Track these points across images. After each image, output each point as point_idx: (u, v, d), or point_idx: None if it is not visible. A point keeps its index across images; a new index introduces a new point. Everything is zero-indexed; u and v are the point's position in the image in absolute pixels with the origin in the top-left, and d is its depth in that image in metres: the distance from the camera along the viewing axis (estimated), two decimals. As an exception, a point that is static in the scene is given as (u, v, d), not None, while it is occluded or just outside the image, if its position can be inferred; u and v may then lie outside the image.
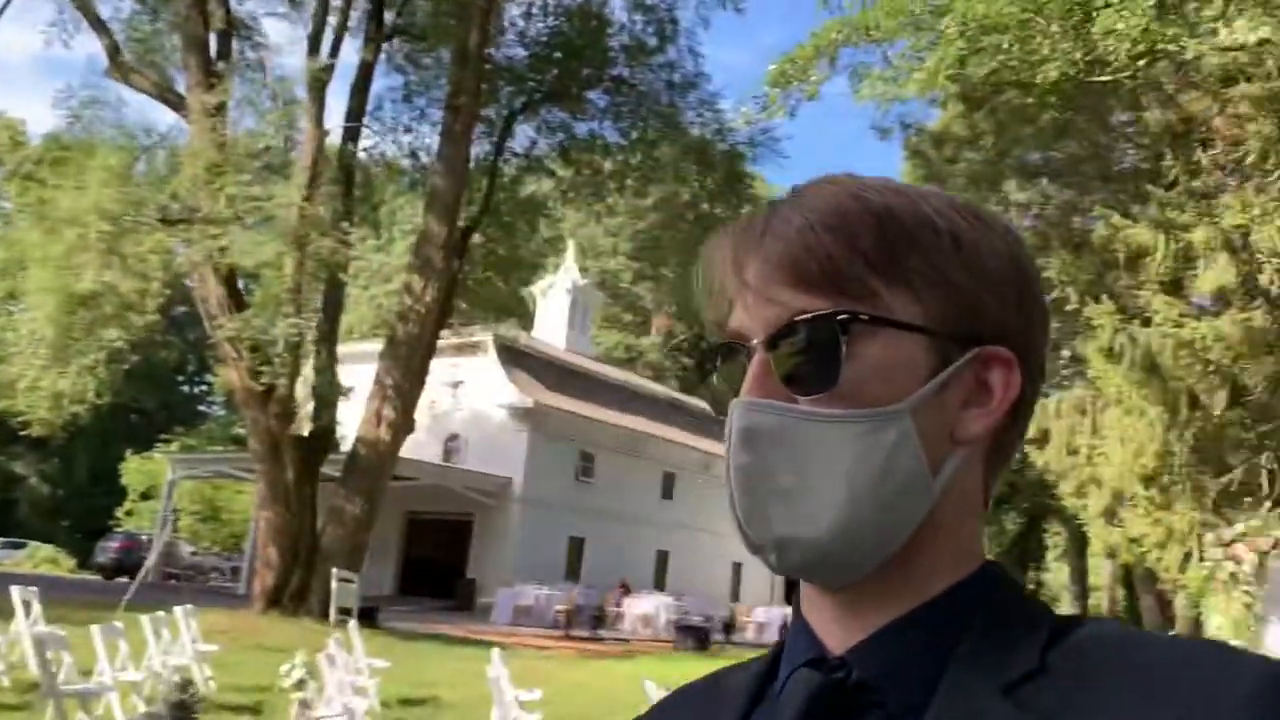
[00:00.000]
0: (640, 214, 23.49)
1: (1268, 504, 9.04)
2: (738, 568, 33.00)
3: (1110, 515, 14.74)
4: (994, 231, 0.72)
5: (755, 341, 0.68)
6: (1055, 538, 36.57)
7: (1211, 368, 10.81)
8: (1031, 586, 32.74)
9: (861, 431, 0.66)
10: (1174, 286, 12.19)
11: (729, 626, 24.51)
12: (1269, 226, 10.77)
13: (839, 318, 0.66)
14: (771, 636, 24.58)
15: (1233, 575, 8.81)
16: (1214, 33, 12.25)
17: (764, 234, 0.69)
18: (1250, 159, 11.75)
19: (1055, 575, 40.72)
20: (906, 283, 0.67)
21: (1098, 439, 12.88)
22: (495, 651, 8.20)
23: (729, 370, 0.72)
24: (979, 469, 0.71)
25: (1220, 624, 8.86)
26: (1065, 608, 32.39)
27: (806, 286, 0.67)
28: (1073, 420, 13.19)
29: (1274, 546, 8.55)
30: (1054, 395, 13.65)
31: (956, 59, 12.73)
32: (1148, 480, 12.34)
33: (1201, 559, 11.41)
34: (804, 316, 0.66)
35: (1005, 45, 12.72)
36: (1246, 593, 8.81)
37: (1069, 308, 13.73)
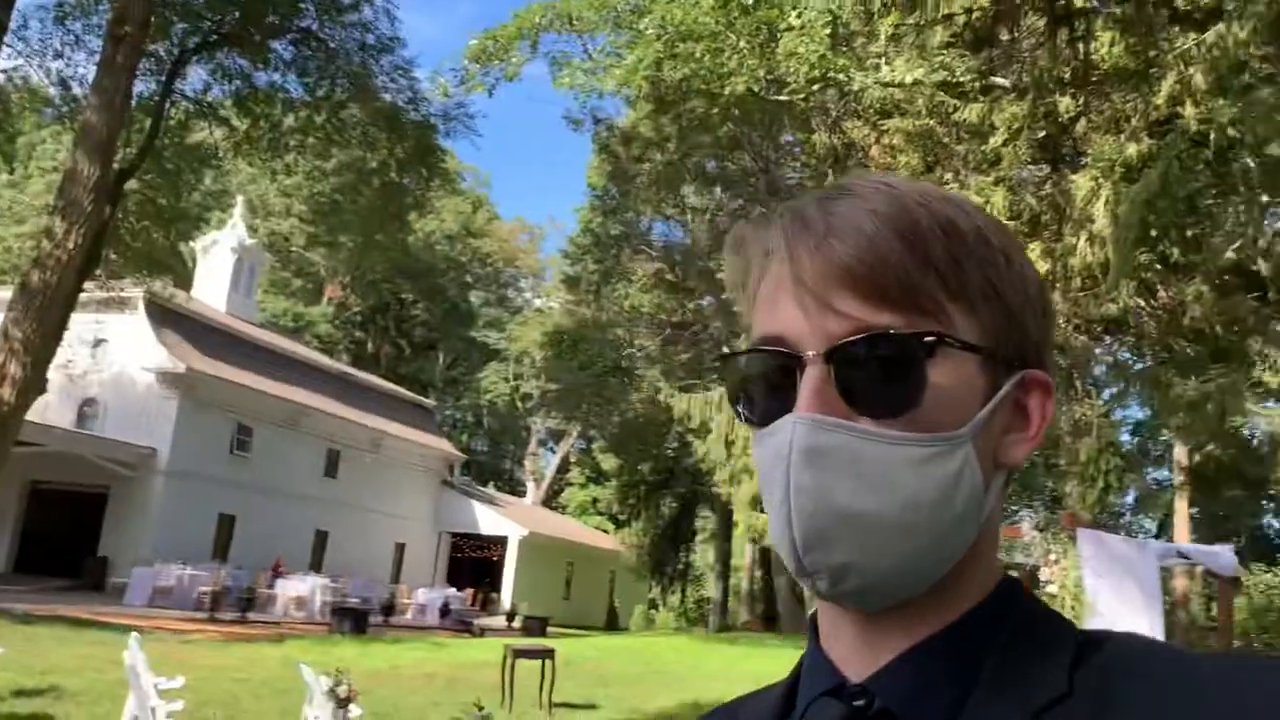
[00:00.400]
0: (320, 176, 22.30)
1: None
2: (401, 549, 32.39)
3: (758, 502, 15.90)
4: (1021, 249, 0.70)
5: (812, 353, 0.63)
6: (705, 521, 39.10)
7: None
8: (681, 566, 34.79)
9: (929, 456, 0.63)
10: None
11: (389, 609, 24.00)
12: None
13: (925, 339, 0.63)
14: (433, 619, 24.38)
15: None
16: (877, 69, 13.52)
17: (826, 233, 0.63)
18: (899, 187, 13.04)
19: (701, 556, 43.56)
20: (968, 300, 0.65)
21: (754, 432, 13.80)
22: (133, 636, 7.48)
23: (765, 375, 0.67)
24: (1004, 491, 0.70)
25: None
26: (710, 587, 34.72)
27: (879, 299, 0.63)
28: (732, 415, 14.07)
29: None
30: (715, 391, 14.43)
31: (654, 61, 13.18)
32: (792, 472, 13.41)
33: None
34: (885, 333, 0.62)
35: (698, 54, 13.32)
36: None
37: (737, 308, 14.62)
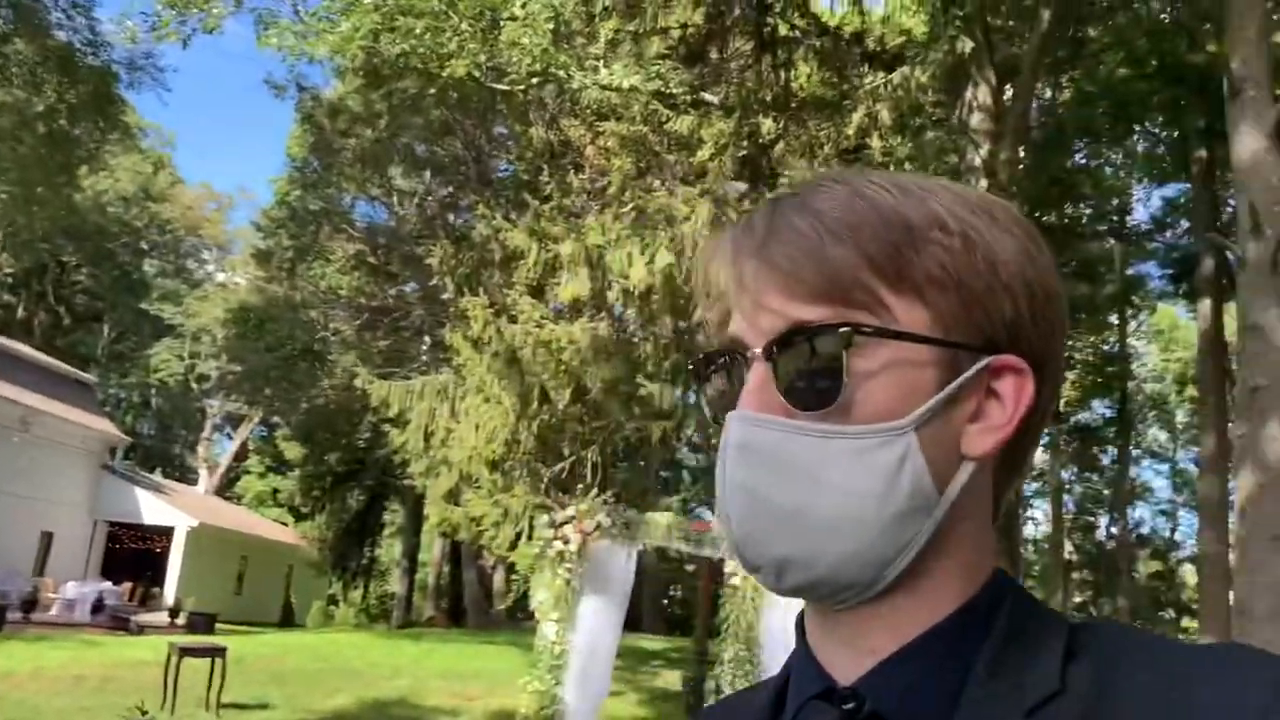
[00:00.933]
0: (-29, 116, 19.56)
1: (594, 491, 10.20)
2: (48, 538, 29.05)
3: (454, 496, 15.67)
4: (1008, 229, 0.68)
5: (753, 351, 0.65)
6: (393, 515, 38.10)
7: (563, 367, 12.02)
8: (366, 561, 33.69)
9: (864, 449, 0.63)
10: (539, 290, 13.35)
11: (30, 604, 21.47)
12: (620, 251, 12.26)
13: (840, 330, 0.63)
14: (83, 615, 22.07)
15: (560, 554, 9.78)
16: (596, 70, 13.71)
17: (766, 236, 0.65)
18: (611, 190, 13.30)
19: (388, 551, 42.43)
20: (915, 288, 0.64)
21: (454, 423, 13.55)
22: None
23: (724, 379, 0.69)
24: (988, 481, 0.68)
25: (544, 597, 9.78)
26: (395, 582, 33.84)
27: (807, 294, 0.63)
28: (433, 404, 13.74)
29: (596, 529, 9.68)
30: (416, 380, 14.08)
31: (371, 31, 12.62)
32: (493, 465, 13.29)
33: (531, 538, 12.61)
34: (803, 327, 0.63)
35: (419, 31, 12.90)
36: (568, 569, 9.83)
37: (445, 296, 14.33)
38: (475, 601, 26.55)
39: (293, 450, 32.01)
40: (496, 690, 14.59)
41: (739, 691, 0.82)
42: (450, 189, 27.19)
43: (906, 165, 11.79)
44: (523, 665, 16.80)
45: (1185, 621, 41.03)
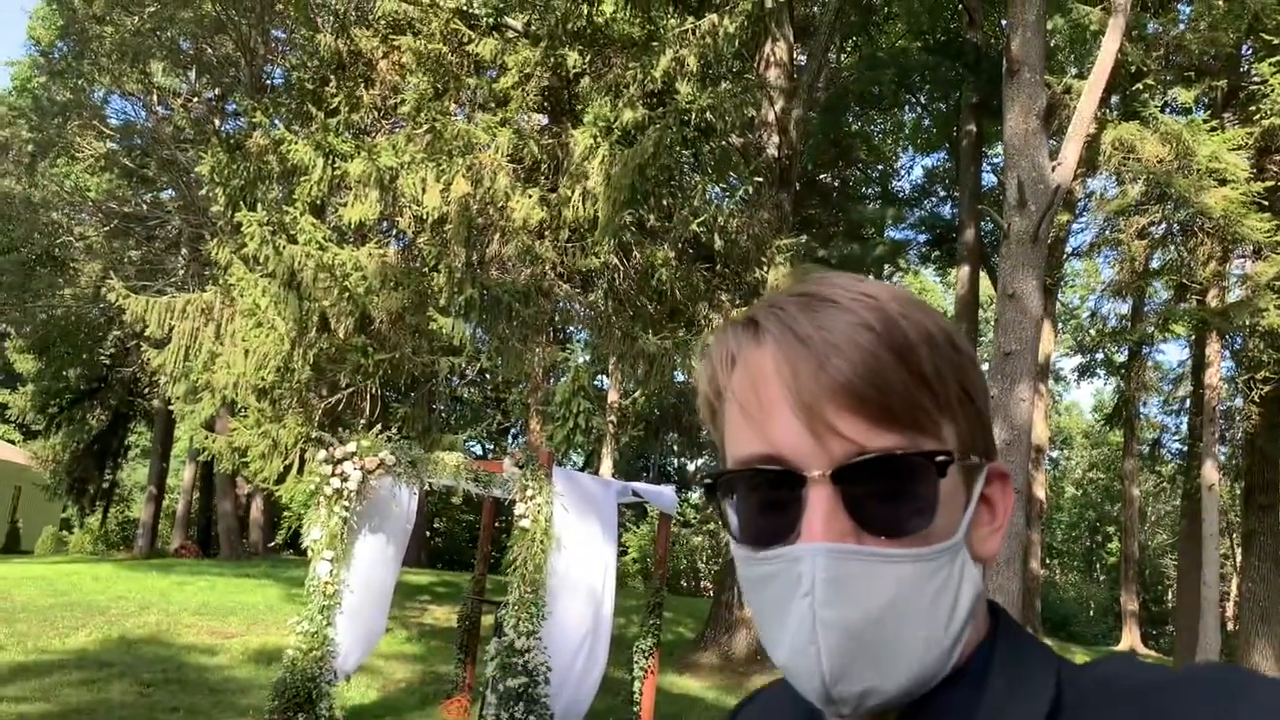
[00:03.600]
0: None
1: (376, 427, 9.78)
2: None
3: (211, 423, 14.70)
4: (969, 343, 0.69)
5: (818, 473, 0.63)
6: (139, 438, 35.47)
7: (346, 294, 11.38)
8: (106, 484, 31.27)
9: (937, 568, 0.64)
10: (321, 210, 12.57)
11: None
12: (414, 175, 11.70)
13: (938, 459, 0.63)
14: None
15: (338, 491, 9.35)
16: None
17: (826, 351, 0.63)
18: (405, 109, 12.64)
19: (131, 475, 39.58)
20: (951, 410, 0.66)
21: (220, 346, 12.64)
22: None
23: (758, 493, 0.66)
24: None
25: (318, 535, 9.34)
26: (140, 509, 31.60)
27: (883, 418, 0.63)
28: (198, 324, 12.73)
29: (379, 467, 9.30)
30: (179, 297, 13.02)
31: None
32: (263, 393, 12.52)
33: (302, 472, 12.01)
34: (892, 457, 0.63)
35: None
36: (345, 507, 9.42)
37: (213, 209, 13.26)
38: (229, 532, 25.22)
39: (25, 363, 29.05)
40: (255, 627, 13.92)
41: (780, 683, 0.80)
42: (218, 91, 25.11)
43: (708, 115, 11.80)
44: (281, 601, 16.12)
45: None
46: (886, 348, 0.63)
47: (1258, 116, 15.29)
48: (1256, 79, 16.08)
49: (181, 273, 23.44)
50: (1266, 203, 14.78)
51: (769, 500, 0.66)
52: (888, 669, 0.62)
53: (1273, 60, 14.91)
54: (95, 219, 23.72)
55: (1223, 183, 14.53)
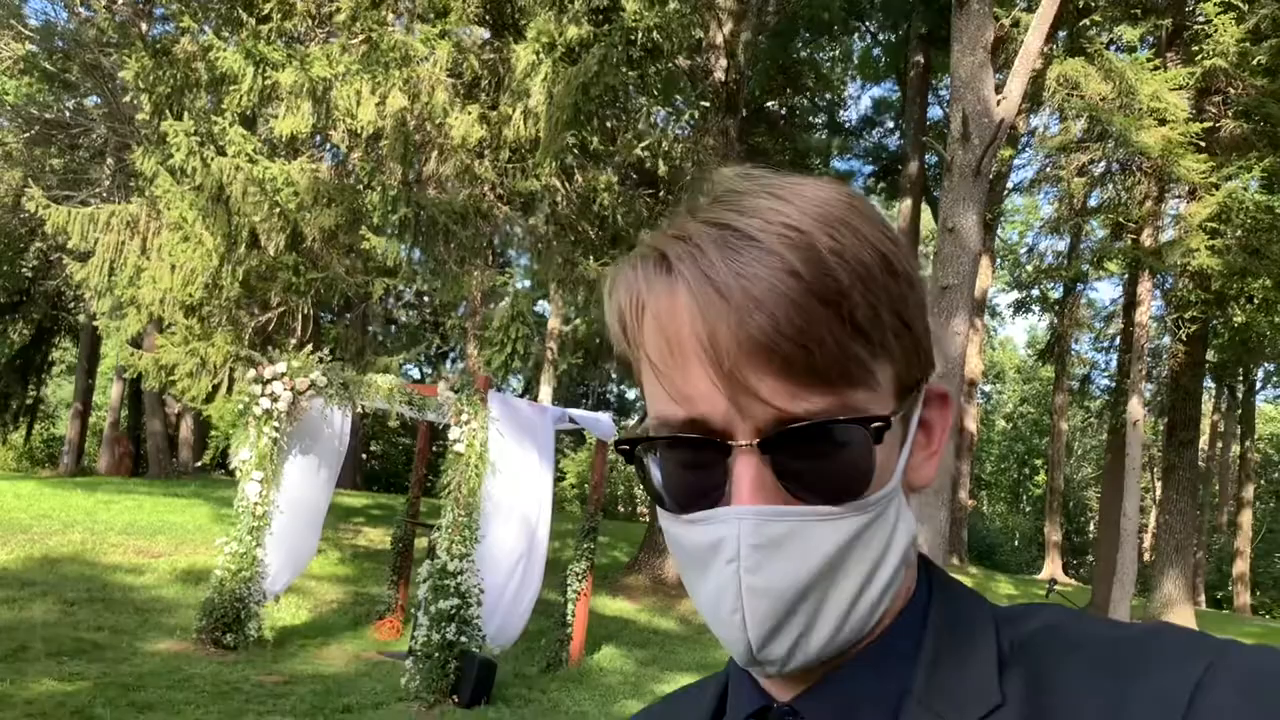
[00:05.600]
0: None
1: (308, 347, 9.57)
2: None
3: (138, 341, 14.30)
4: (911, 255, 0.64)
5: (745, 442, 0.59)
6: (64, 353, 34.53)
7: (277, 209, 11.03)
8: (30, 401, 30.47)
9: (870, 520, 0.60)
10: (252, 122, 12.10)
11: None
12: (348, 87, 11.30)
13: (872, 426, 0.59)
14: None
15: (267, 412, 9.17)
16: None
17: (746, 304, 0.57)
18: (340, 17, 12.15)
19: (56, 391, 38.61)
20: (886, 349, 0.60)
21: (146, 261, 12.22)
22: None
23: (685, 461, 0.62)
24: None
25: (247, 456, 9.19)
26: (65, 426, 30.87)
27: (811, 378, 0.57)
28: (123, 237, 12.28)
29: (310, 388, 9.12)
30: (102, 208, 12.53)
31: None
32: (190, 310, 12.18)
33: (231, 391, 11.75)
34: (819, 424, 0.58)
35: None
36: (275, 428, 9.25)
37: (140, 116, 12.72)
38: (158, 451, 24.77)
39: (-59, 275, 27.96)
40: (183, 547, 13.73)
41: (683, 689, 0.78)
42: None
43: (655, 35, 11.53)
44: (211, 521, 15.91)
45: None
46: (815, 296, 0.57)
47: (1200, 57, 15.38)
48: (1201, 19, 16.15)
49: (107, 183, 22.56)
50: (1203, 144, 14.94)
51: (693, 463, 0.61)
52: (815, 628, 0.59)
53: (1217, 0, 14.97)
54: (14, 125, 22.67)
55: (1162, 122, 14.65)
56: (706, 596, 0.61)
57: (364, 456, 33.27)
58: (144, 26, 22.39)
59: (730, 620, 0.59)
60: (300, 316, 12.61)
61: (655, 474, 0.63)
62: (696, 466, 0.61)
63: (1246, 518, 31.25)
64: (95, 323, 14.14)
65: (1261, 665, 0.55)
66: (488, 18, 12.93)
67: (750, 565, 0.58)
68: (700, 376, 0.59)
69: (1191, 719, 0.52)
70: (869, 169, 29.40)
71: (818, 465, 0.59)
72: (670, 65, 13.83)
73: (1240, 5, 14.95)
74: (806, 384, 0.57)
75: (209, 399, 12.18)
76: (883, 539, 0.61)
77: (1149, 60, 15.50)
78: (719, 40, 16.25)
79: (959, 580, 0.69)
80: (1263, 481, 41.52)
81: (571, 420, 9.75)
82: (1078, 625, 0.62)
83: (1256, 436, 34.70)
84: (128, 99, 14.82)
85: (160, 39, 14.02)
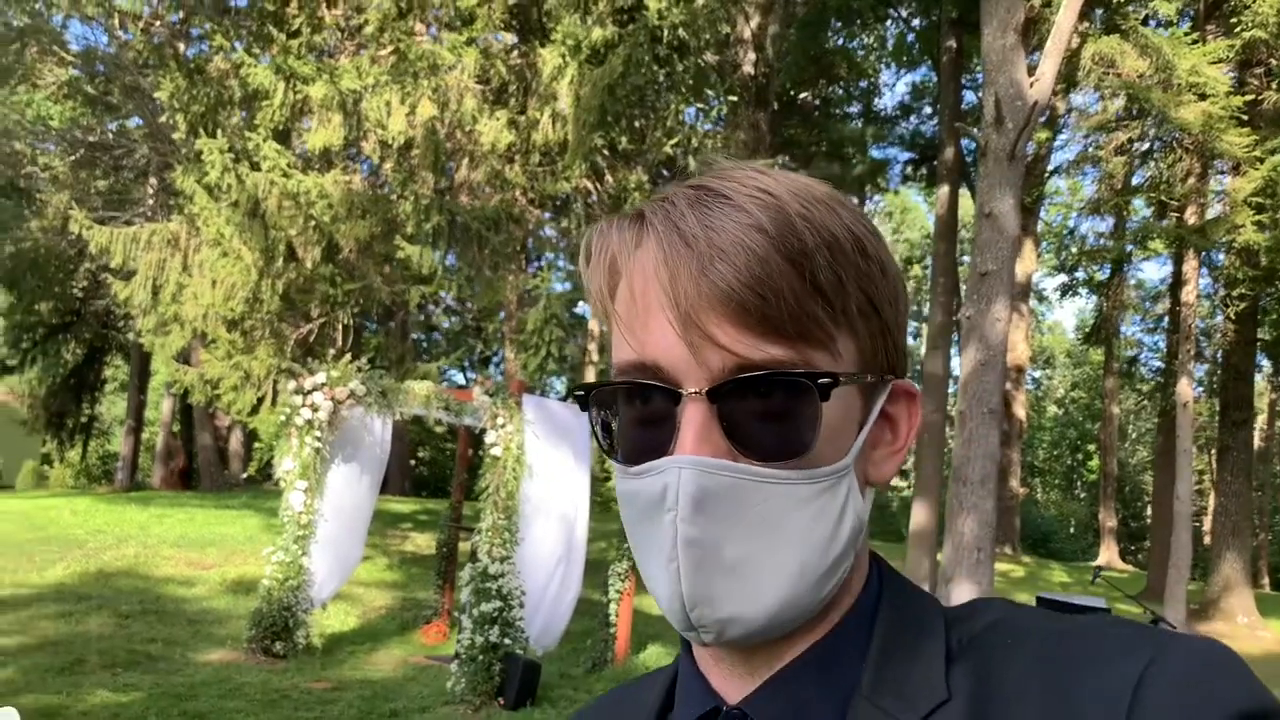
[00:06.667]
0: None
1: (346, 356, 9.67)
2: None
3: (184, 355, 14.54)
4: (888, 248, 0.64)
5: (694, 389, 0.59)
6: (116, 371, 35.23)
7: (312, 222, 11.17)
8: (85, 419, 31.13)
9: (817, 493, 0.60)
10: (285, 136, 12.26)
11: None
12: (378, 98, 11.41)
13: (820, 380, 0.58)
14: None
15: (309, 422, 9.28)
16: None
17: (710, 254, 0.57)
18: (369, 29, 12.27)
19: (110, 408, 39.40)
20: (849, 322, 0.61)
21: (187, 277, 12.44)
22: None
23: (633, 405, 0.62)
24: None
25: (290, 466, 9.30)
26: (119, 442, 31.51)
27: (768, 331, 0.58)
28: (164, 255, 12.51)
29: (349, 397, 9.22)
30: (143, 227, 12.76)
31: None
32: (232, 324, 12.37)
33: (275, 403, 11.91)
34: (776, 372, 0.58)
35: None
36: (317, 438, 9.36)
37: (176, 135, 12.94)
38: (209, 464, 25.20)
39: (-4, 298, 28.71)
40: (233, 558, 13.95)
41: (625, 686, 0.78)
42: (180, 14, 24.34)
43: (681, 32, 11.50)
44: (261, 531, 16.15)
45: (896, 481, 45.08)
46: (778, 252, 0.57)
47: (1239, 29, 15.04)
48: (1240, -11, 15.79)
49: (150, 202, 23.00)
50: (1246, 117, 14.61)
51: (643, 414, 0.61)
52: (752, 595, 0.58)
53: (1256, -30, 14.63)
54: (60, 148, 23.18)
55: (1202, 97, 14.34)
56: (646, 551, 0.61)
57: (411, 463, 33.59)
58: (181, 47, 22.78)
59: (666, 571, 0.59)
60: (340, 327, 12.76)
61: (610, 423, 0.64)
62: (647, 417, 0.61)
63: (1308, 497, 30.55)
64: (141, 340, 14.39)
65: (1200, 659, 0.55)
66: (514, 23, 12.99)
67: (686, 515, 0.58)
68: (661, 323, 0.59)
69: (1134, 716, 0.53)
70: (905, 156, 29.09)
71: (765, 419, 0.58)
72: (698, 61, 13.78)
73: (1280, -26, 14.59)
74: (761, 334, 0.58)
75: (254, 411, 12.37)
76: (830, 517, 0.60)
77: (1187, 34, 15.19)
78: (747, 34, 16.19)
79: (910, 579, 0.69)
80: (1324, 460, 40.51)
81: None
82: (1024, 620, 0.62)
83: (1316, 414, 33.87)
84: (164, 119, 15.06)
85: (195, 59, 14.23)
